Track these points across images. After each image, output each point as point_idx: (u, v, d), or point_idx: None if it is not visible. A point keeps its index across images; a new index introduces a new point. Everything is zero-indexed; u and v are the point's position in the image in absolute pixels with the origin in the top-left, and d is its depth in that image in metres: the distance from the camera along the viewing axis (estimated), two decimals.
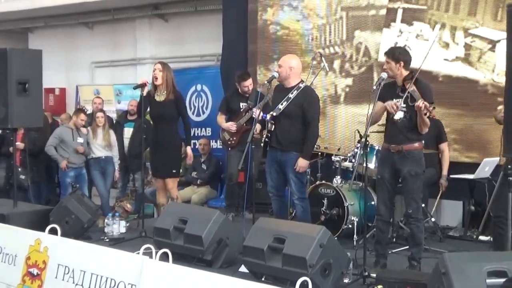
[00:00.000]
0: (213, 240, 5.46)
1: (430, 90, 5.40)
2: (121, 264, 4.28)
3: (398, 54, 5.40)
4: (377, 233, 5.64)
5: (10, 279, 4.98)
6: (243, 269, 5.19)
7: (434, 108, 5.06)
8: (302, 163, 5.98)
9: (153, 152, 7.25)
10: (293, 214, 6.69)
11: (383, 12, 8.09)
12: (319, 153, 7.48)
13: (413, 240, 5.51)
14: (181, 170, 8.33)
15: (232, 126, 7.69)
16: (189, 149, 7.33)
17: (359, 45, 8.22)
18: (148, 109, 7.19)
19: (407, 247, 5.99)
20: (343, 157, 7.10)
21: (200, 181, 9.06)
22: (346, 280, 4.95)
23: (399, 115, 5.36)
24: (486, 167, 6.70)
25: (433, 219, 7.04)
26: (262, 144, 6.20)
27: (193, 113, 10.22)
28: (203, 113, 10.15)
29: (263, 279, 4.85)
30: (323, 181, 7.01)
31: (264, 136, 6.12)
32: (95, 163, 8.59)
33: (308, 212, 6.20)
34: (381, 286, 4.63)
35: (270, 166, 6.20)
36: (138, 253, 4.28)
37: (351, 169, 6.80)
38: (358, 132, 6.79)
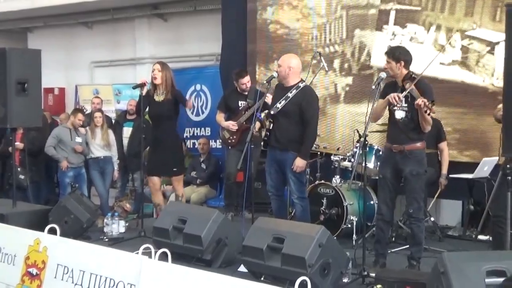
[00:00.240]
0: (212, 239, 5.46)
1: (431, 88, 5.41)
2: (120, 264, 4.27)
3: (399, 54, 5.40)
4: (377, 232, 5.64)
5: (9, 279, 4.98)
6: (242, 268, 5.20)
7: (433, 104, 5.06)
8: (299, 163, 5.98)
9: (152, 151, 7.24)
10: (292, 214, 6.70)
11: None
12: (318, 153, 7.48)
13: (413, 240, 5.51)
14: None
15: (233, 125, 7.69)
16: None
17: (359, 44, 8.20)
18: (147, 109, 7.19)
19: (407, 246, 6.01)
20: (342, 157, 7.10)
21: (199, 181, 9.07)
22: (345, 280, 4.95)
23: (400, 115, 5.36)
24: (485, 167, 6.70)
25: (432, 219, 7.05)
26: (262, 143, 6.19)
27: (192, 113, 10.23)
28: (202, 112, 10.15)
29: (262, 278, 4.85)
30: (322, 181, 7.02)
31: (263, 135, 6.11)
32: (94, 163, 8.58)
33: (307, 211, 6.20)
34: (380, 286, 4.63)
35: (269, 165, 6.20)
36: (137, 253, 4.28)
37: (350, 169, 6.80)
38: (358, 131, 6.80)
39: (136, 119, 8.78)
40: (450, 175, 7.00)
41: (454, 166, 7.11)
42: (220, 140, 8.56)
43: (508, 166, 4.43)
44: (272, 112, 6.04)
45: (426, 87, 5.35)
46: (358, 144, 6.53)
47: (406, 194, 5.54)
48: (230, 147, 7.86)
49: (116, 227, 6.90)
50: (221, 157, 9.20)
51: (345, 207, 6.61)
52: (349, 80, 8.32)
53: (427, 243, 6.08)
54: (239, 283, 3.66)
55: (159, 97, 7.00)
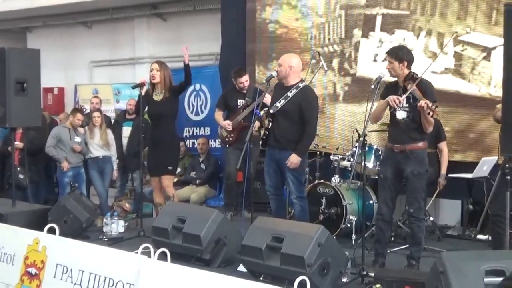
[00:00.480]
0: (211, 239, 5.46)
1: (432, 89, 5.41)
2: (120, 263, 4.28)
3: (402, 54, 5.39)
4: (377, 232, 5.65)
5: (9, 278, 4.98)
6: (241, 268, 5.20)
7: (436, 107, 5.06)
8: (294, 159, 5.95)
9: (151, 151, 7.23)
10: (291, 214, 6.70)
11: None
12: (318, 152, 7.48)
13: (413, 239, 5.52)
14: (179, 169, 8.34)
15: (227, 125, 7.70)
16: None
17: (358, 43, 8.19)
18: (146, 108, 7.19)
19: (406, 246, 6.01)
20: (341, 156, 7.11)
21: (199, 181, 9.07)
22: (344, 279, 4.95)
23: (401, 115, 5.36)
24: (485, 166, 6.69)
25: (431, 218, 7.05)
26: (260, 142, 6.18)
27: (191, 112, 10.24)
28: (202, 112, 10.15)
29: (261, 278, 4.86)
30: (322, 180, 7.02)
31: (262, 134, 6.11)
32: (93, 163, 8.59)
33: (306, 211, 6.20)
34: (379, 285, 4.63)
35: (268, 165, 6.20)
36: (137, 252, 4.28)
37: (350, 168, 6.80)
38: (357, 131, 6.80)
39: (135, 119, 8.79)
40: (450, 175, 7.00)
41: (453, 166, 7.10)
42: (219, 139, 8.57)
43: (507, 165, 4.43)
44: (271, 111, 6.03)
45: (428, 88, 5.34)
46: (357, 144, 6.52)
47: (407, 193, 5.54)
48: (227, 146, 7.86)
49: (115, 226, 6.90)
50: (221, 157, 9.20)
51: (344, 206, 6.62)
52: (348, 79, 8.30)
53: (426, 243, 6.08)
54: (238, 282, 3.66)
55: (157, 96, 7.00)
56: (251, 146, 5.97)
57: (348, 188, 6.83)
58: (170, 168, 7.12)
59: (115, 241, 6.51)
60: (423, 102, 5.04)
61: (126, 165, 9.12)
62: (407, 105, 5.32)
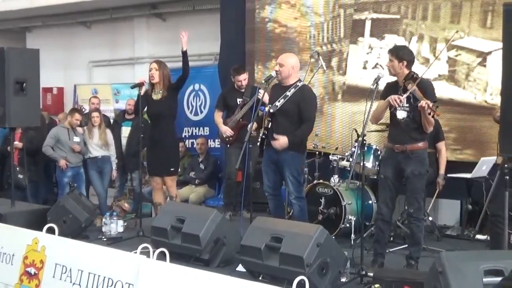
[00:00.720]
0: (210, 239, 5.46)
1: (432, 88, 5.41)
2: (119, 263, 4.28)
3: (402, 54, 5.38)
4: (376, 232, 5.64)
5: (8, 278, 4.98)
6: (240, 268, 5.20)
7: (437, 107, 5.06)
8: (282, 141, 5.88)
9: (151, 151, 7.23)
10: (290, 214, 6.70)
11: None
12: (317, 152, 7.48)
13: (413, 240, 5.51)
14: (179, 169, 8.34)
15: (230, 132, 7.67)
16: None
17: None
18: (146, 108, 7.19)
19: (405, 246, 6.01)
20: (340, 156, 7.11)
21: (198, 181, 9.08)
22: (343, 279, 4.94)
23: (402, 115, 5.36)
24: (484, 166, 6.70)
25: (430, 218, 7.05)
26: (259, 140, 6.16)
27: (191, 112, 10.24)
28: (201, 112, 10.15)
29: (260, 278, 4.86)
30: (321, 180, 7.02)
31: (261, 133, 6.09)
32: (92, 163, 8.59)
33: (305, 211, 6.20)
34: (378, 285, 4.63)
35: (266, 165, 6.19)
36: (136, 252, 4.28)
37: (349, 168, 6.80)
38: (356, 131, 6.79)
39: (134, 119, 8.79)
40: (448, 175, 7.00)
41: (452, 166, 7.10)
42: (219, 139, 8.56)
43: (506, 165, 4.44)
44: (271, 111, 6.02)
45: (428, 88, 5.34)
46: (356, 144, 6.52)
47: (406, 194, 5.53)
48: (228, 145, 7.85)
49: (115, 226, 6.90)
50: (220, 157, 9.21)
51: (343, 206, 6.62)
52: (347, 79, 8.29)
53: (425, 243, 6.08)
54: (237, 282, 3.67)
55: (156, 96, 7.00)
56: (250, 146, 5.96)
57: (347, 188, 6.84)
58: (172, 169, 7.12)
59: (114, 241, 6.51)
60: (424, 102, 5.04)
61: (125, 165, 9.13)
62: (407, 105, 5.31)
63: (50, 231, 4.94)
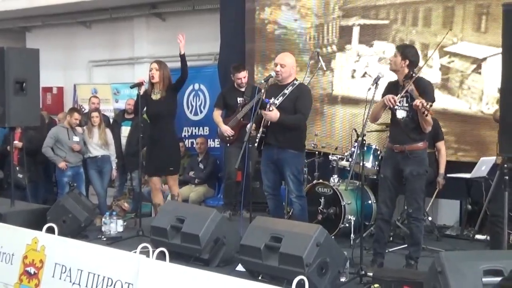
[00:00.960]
0: (210, 239, 5.46)
1: (431, 88, 5.41)
2: (118, 263, 4.28)
3: (407, 52, 5.37)
4: (376, 231, 5.65)
5: (7, 278, 4.98)
6: (240, 268, 5.20)
7: (431, 106, 5.06)
8: (274, 113, 5.84)
9: (150, 150, 7.22)
10: (290, 213, 6.71)
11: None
12: (317, 152, 7.49)
13: (412, 240, 5.52)
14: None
15: (230, 131, 7.66)
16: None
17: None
18: (146, 108, 7.19)
19: (404, 246, 6.02)
20: (340, 156, 7.11)
21: (197, 180, 9.08)
22: (342, 279, 4.95)
23: (401, 114, 5.36)
24: (483, 166, 6.70)
25: (430, 218, 7.05)
26: (257, 140, 6.15)
27: (190, 112, 10.25)
28: (201, 112, 10.16)
29: (260, 278, 4.86)
30: (320, 180, 7.02)
31: (260, 132, 6.08)
32: (92, 162, 8.59)
33: (305, 210, 6.21)
34: (377, 285, 4.63)
35: (265, 165, 6.19)
36: (135, 252, 4.28)
37: (348, 168, 6.81)
38: (355, 131, 6.80)
39: (134, 118, 8.78)
40: (448, 175, 6.99)
41: (452, 166, 7.10)
42: (219, 139, 8.55)
43: (505, 165, 4.44)
44: (276, 102, 6.01)
45: (427, 87, 5.34)
46: (356, 144, 6.53)
47: (406, 194, 5.54)
48: (228, 144, 7.85)
49: (114, 226, 6.90)
50: (219, 156, 9.21)
51: (343, 206, 6.62)
52: (334, 89, 8.17)
53: (424, 243, 6.08)
54: (236, 282, 3.67)
55: (156, 96, 7.00)
56: (250, 145, 5.97)
57: (346, 188, 6.84)
58: (171, 168, 7.12)
59: (114, 241, 6.51)
60: (418, 101, 5.05)
61: (125, 165, 9.13)
62: (406, 105, 5.32)
63: (50, 230, 4.94)
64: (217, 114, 7.89)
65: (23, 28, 13.12)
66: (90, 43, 12.07)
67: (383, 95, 5.49)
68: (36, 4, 11.34)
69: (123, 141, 9.10)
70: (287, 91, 6.01)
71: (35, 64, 6.77)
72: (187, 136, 10.21)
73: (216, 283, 3.68)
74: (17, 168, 8.27)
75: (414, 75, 5.32)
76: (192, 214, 5.70)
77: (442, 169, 6.98)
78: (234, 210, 7.91)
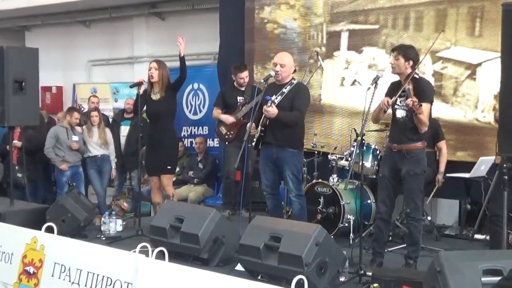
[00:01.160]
0: (209, 238, 5.47)
1: (430, 88, 5.41)
2: (118, 262, 4.28)
3: (409, 53, 5.36)
4: (375, 231, 5.65)
5: (7, 277, 4.98)
6: (239, 267, 5.21)
7: (420, 106, 5.05)
8: (273, 110, 5.83)
9: (149, 150, 7.23)
10: (289, 213, 6.71)
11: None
12: (316, 152, 7.48)
13: (411, 239, 5.52)
14: (177, 169, 8.34)
15: (231, 118, 7.66)
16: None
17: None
18: (145, 107, 7.19)
19: (404, 245, 6.02)
20: (339, 156, 7.11)
21: (196, 180, 9.08)
22: (342, 279, 4.95)
23: (401, 114, 5.37)
24: (482, 166, 6.70)
25: (429, 218, 7.05)
26: (255, 139, 6.14)
27: (190, 112, 10.25)
28: (200, 111, 10.16)
29: (259, 277, 4.86)
30: (320, 180, 7.02)
31: (258, 131, 6.08)
32: (92, 162, 8.58)
33: (304, 209, 6.22)
34: (377, 285, 4.64)
35: (264, 164, 6.19)
36: (135, 251, 4.28)
37: (348, 168, 6.81)
38: (355, 130, 6.80)
39: (133, 118, 8.77)
40: (447, 174, 6.99)
41: (451, 165, 7.09)
42: (217, 138, 8.55)
43: (504, 165, 4.44)
44: (275, 100, 6.00)
45: (426, 87, 5.34)
46: (355, 143, 6.52)
47: (404, 194, 5.54)
48: (227, 143, 7.84)
49: (114, 225, 6.90)
50: (218, 156, 9.21)
51: (342, 206, 6.62)
52: (323, 97, 8.09)
53: (424, 242, 6.09)
54: (236, 282, 3.66)
55: (155, 95, 7.00)
56: (249, 145, 5.97)
57: (346, 187, 6.84)
58: (169, 167, 7.12)
59: (113, 240, 6.51)
60: (409, 100, 5.05)
61: (124, 164, 9.12)
62: (405, 104, 5.32)
63: (49, 230, 4.93)
64: (217, 112, 7.89)
65: (22, 27, 13.11)
66: (90, 42, 12.06)
67: (386, 94, 5.49)
68: (35, 3, 11.33)
69: (122, 140, 9.09)
70: (285, 90, 6.02)
71: (34, 64, 6.77)
72: (186, 135, 10.21)
73: (215, 283, 3.68)
74: (16, 167, 8.26)
75: (415, 75, 5.31)
76: (191, 214, 5.70)
77: (442, 168, 6.97)
78: (233, 209, 7.91)
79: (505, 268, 3.80)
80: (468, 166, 6.87)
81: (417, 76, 5.30)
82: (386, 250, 5.82)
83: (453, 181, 6.99)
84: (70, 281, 4.50)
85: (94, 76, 12.18)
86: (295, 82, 6.13)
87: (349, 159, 6.86)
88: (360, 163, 5.42)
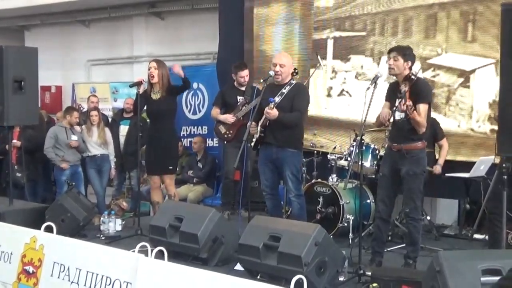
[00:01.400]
0: (208, 238, 5.47)
1: (428, 89, 5.40)
2: (117, 262, 4.28)
3: (408, 54, 5.37)
4: (375, 231, 5.66)
5: (6, 276, 4.97)
6: (238, 267, 5.21)
7: (414, 109, 5.05)
8: (274, 111, 5.84)
9: (149, 149, 7.22)
10: (289, 212, 6.71)
11: None
12: (315, 152, 7.49)
13: (410, 239, 5.52)
14: (177, 168, 8.34)
15: (231, 118, 7.66)
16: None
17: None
18: (145, 107, 7.19)
19: (403, 245, 6.01)
20: (339, 156, 7.11)
21: (196, 180, 9.08)
22: (341, 278, 4.95)
23: (399, 116, 5.36)
24: (482, 166, 6.69)
25: (428, 218, 7.06)
26: (254, 140, 6.14)
27: (189, 111, 10.24)
28: (199, 111, 10.15)
29: (258, 277, 4.87)
30: (319, 180, 7.02)
31: (258, 132, 6.08)
32: (91, 161, 8.57)
33: (304, 209, 6.22)
34: (376, 284, 4.64)
35: (263, 164, 6.19)
36: (134, 251, 4.28)
37: (347, 168, 6.81)
38: (354, 130, 6.80)
39: (133, 118, 8.77)
40: (447, 174, 6.98)
41: (451, 165, 7.09)
42: (216, 137, 8.54)
43: (504, 165, 4.44)
44: (276, 100, 6.00)
45: (423, 88, 5.33)
46: (354, 143, 6.53)
47: (403, 193, 5.55)
48: (226, 142, 7.83)
49: (113, 225, 6.90)
50: (218, 155, 9.20)
51: (341, 206, 6.63)
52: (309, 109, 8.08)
53: (423, 242, 6.09)
54: (235, 281, 3.66)
55: (155, 95, 7.00)
56: (249, 145, 5.97)
57: (345, 187, 6.84)
58: (170, 167, 7.13)
59: (113, 240, 6.51)
60: (402, 104, 5.05)
61: (123, 164, 9.11)
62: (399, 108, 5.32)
63: (48, 229, 4.93)
64: (216, 112, 7.88)
65: (21, 27, 13.12)
66: (89, 42, 12.07)
67: (386, 96, 5.49)
68: (35, 3, 11.33)
69: (122, 140, 9.09)
70: (285, 91, 6.01)
71: (33, 63, 6.77)
72: (185, 135, 10.20)
73: (215, 282, 3.68)
74: (16, 167, 8.25)
75: (412, 76, 5.31)
76: (190, 213, 5.70)
77: (441, 161, 6.95)
78: (232, 209, 7.91)
79: (504, 268, 3.79)
80: (467, 166, 6.87)
81: (414, 78, 5.29)
82: (385, 250, 5.82)
83: (453, 181, 6.99)
84: (69, 280, 4.49)
85: (94, 76, 12.18)
86: (294, 82, 6.14)
87: (349, 158, 6.86)
88: (360, 163, 5.42)
